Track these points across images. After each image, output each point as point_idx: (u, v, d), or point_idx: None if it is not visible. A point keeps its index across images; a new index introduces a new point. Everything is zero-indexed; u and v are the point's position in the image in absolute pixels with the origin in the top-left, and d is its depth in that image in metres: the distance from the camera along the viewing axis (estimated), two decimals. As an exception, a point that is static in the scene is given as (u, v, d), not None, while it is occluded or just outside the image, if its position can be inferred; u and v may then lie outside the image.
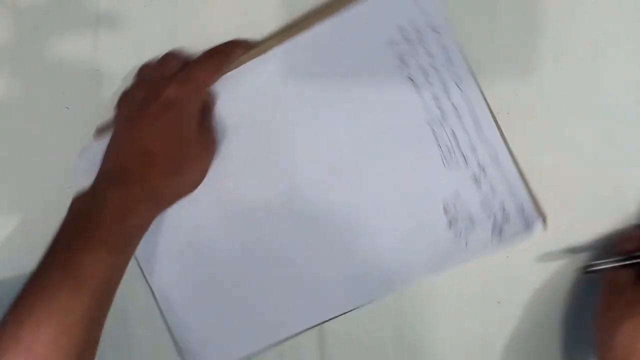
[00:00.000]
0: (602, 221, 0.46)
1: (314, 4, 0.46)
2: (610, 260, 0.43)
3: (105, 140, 0.44)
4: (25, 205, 0.47)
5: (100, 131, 0.46)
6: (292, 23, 0.45)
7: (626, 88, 0.45)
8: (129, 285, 0.47)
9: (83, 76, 0.46)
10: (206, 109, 0.45)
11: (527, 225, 0.45)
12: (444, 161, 0.45)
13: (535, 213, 0.45)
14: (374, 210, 0.46)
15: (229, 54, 0.45)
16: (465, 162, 0.45)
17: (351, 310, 0.47)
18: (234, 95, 0.45)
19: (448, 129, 0.45)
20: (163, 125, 0.42)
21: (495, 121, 0.45)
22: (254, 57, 0.45)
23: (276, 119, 0.46)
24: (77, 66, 0.46)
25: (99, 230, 0.39)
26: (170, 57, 0.45)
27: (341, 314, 0.48)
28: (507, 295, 0.47)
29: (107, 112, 0.47)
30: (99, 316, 0.39)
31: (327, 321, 0.48)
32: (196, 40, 0.46)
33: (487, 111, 0.45)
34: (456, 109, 0.45)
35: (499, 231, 0.45)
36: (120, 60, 0.47)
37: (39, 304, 0.36)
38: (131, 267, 0.47)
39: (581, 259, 0.46)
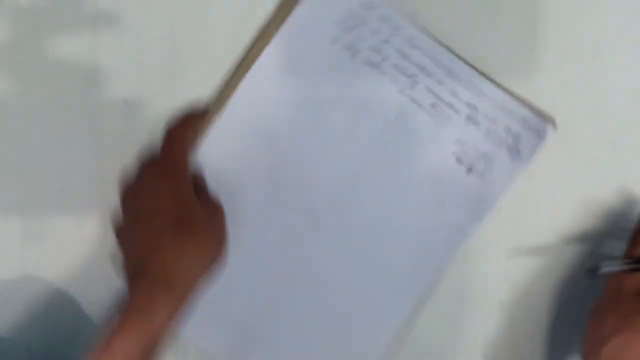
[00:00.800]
0: (605, 223, 0.46)
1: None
2: (617, 263, 0.43)
3: None
4: (24, 206, 0.47)
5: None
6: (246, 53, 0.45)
7: (626, 88, 0.46)
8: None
9: (82, 76, 0.46)
10: (198, 177, 0.44)
11: (540, 135, 0.46)
12: (435, 119, 0.45)
13: (542, 121, 0.46)
14: (395, 201, 0.46)
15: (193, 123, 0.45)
16: (453, 109, 0.46)
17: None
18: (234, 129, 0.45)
19: (422, 88, 0.45)
20: (156, 189, 0.40)
21: (463, 59, 0.45)
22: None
23: (281, 142, 0.46)
24: (75, 66, 0.46)
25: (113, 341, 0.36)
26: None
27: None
28: (509, 297, 0.47)
29: (105, 112, 0.46)
30: None
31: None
32: (195, 39, 0.46)
33: (452, 55, 0.45)
34: (421, 67, 0.45)
35: (516, 153, 0.46)
36: (119, 60, 0.46)
37: None
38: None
39: (585, 261, 0.46)
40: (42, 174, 0.46)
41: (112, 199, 0.46)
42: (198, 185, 0.43)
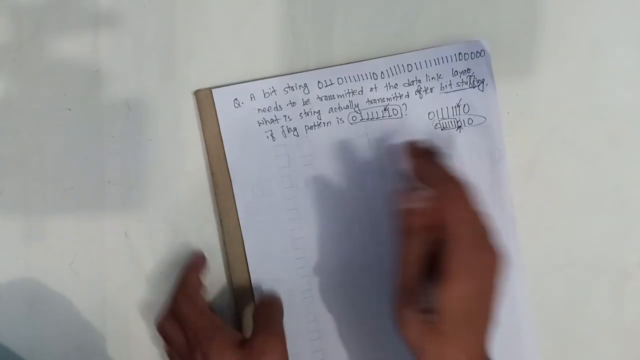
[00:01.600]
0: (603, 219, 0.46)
1: None
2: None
3: None
4: (25, 206, 0.47)
5: None
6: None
7: (626, 87, 0.46)
8: (129, 284, 0.47)
9: (83, 77, 0.46)
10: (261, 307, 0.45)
11: (482, 54, 0.46)
12: (396, 116, 0.46)
13: (473, 42, 0.46)
14: None
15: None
16: (402, 97, 0.46)
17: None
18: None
19: (364, 105, 0.46)
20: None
21: (367, 57, 0.46)
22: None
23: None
24: (77, 67, 0.46)
25: None
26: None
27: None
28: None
29: (106, 112, 0.46)
30: None
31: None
32: (195, 39, 0.46)
33: (359, 62, 0.46)
34: (349, 91, 0.46)
35: (479, 83, 0.47)
36: (120, 61, 0.46)
37: None
38: (130, 265, 0.47)
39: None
40: (43, 173, 0.46)
41: (112, 199, 0.46)
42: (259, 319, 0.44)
